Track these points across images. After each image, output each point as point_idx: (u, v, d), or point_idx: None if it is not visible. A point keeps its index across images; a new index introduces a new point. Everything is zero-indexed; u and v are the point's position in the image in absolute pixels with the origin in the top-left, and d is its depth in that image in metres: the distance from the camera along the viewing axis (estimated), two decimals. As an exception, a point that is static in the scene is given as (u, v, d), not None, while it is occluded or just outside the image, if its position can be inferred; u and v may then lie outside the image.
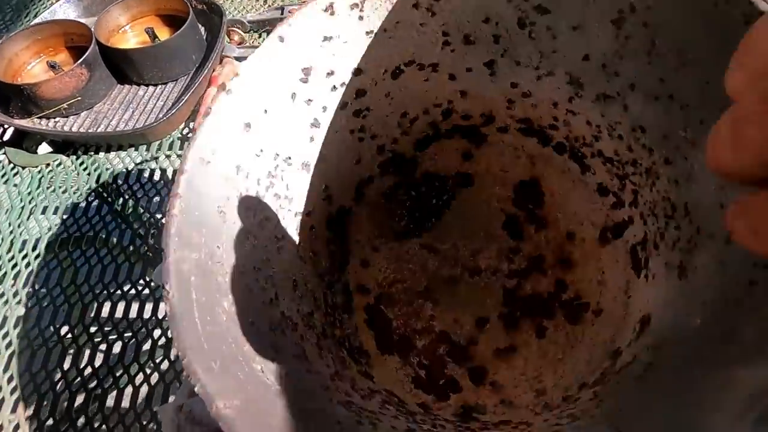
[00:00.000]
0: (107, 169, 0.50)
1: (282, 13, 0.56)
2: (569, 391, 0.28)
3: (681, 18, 0.20)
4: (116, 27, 0.55)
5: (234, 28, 0.56)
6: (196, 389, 0.17)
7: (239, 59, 0.53)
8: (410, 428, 0.25)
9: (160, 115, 0.50)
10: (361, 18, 0.27)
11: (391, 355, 0.35)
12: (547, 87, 0.30)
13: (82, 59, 0.48)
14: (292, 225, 0.31)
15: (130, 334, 0.41)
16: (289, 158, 0.30)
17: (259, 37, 0.58)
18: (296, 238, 0.32)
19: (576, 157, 0.33)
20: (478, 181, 0.39)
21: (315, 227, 0.34)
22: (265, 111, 0.27)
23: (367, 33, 0.28)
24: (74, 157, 0.52)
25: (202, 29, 0.58)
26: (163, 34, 0.54)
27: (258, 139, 0.27)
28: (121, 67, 0.52)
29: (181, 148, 0.49)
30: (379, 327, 0.36)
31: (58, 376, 0.40)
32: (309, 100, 0.30)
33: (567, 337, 0.32)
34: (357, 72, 0.30)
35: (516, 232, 0.38)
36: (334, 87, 0.30)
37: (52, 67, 0.52)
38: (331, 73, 0.29)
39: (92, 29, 0.51)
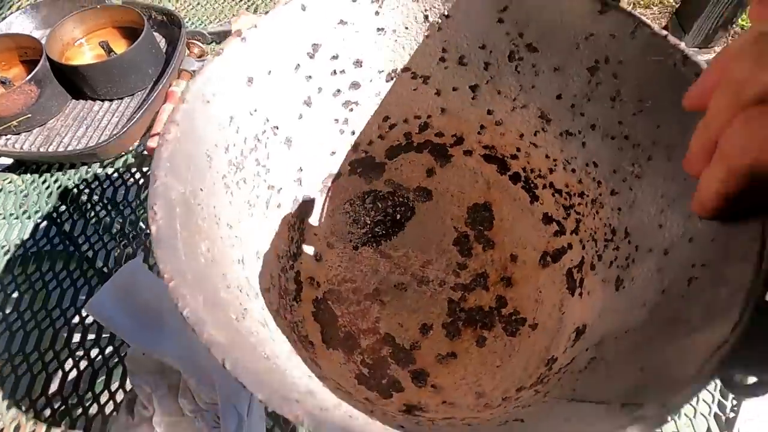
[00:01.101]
0: (58, 189, 0.45)
1: (241, 27, 0.56)
2: (508, 393, 0.30)
3: (645, 73, 0.25)
4: (71, 40, 0.51)
5: (194, 41, 0.54)
6: (185, 313, 0.16)
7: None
8: (369, 410, 0.24)
9: (114, 132, 0.47)
10: (377, 13, 0.29)
11: (335, 350, 0.34)
12: (518, 119, 0.34)
13: (30, 76, 0.45)
14: (263, 196, 0.30)
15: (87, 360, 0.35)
16: (277, 128, 0.30)
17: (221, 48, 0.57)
18: (264, 212, 0.31)
19: (528, 187, 0.37)
20: (436, 198, 0.42)
21: (281, 205, 0.33)
22: (269, 72, 0.27)
23: (378, 29, 0.30)
24: (26, 175, 0.46)
25: (163, 41, 0.56)
26: (120, 46, 0.52)
27: (256, 97, 0.27)
28: (75, 82, 0.49)
29: (134, 166, 0.47)
30: (325, 321, 0.35)
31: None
32: (309, 76, 0.30)
33: (505, 347, 0.34)
34: (358, 63, 0.31)
35: (465, 249, 0.40)
36: (334, 72, 0.31)
37: (3, 83, 0.47)
38: (335, 57, 0.30)
39: (43, 44, 0.47)
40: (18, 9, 0.55)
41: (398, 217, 0.42)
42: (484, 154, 0.39)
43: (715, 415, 0.35)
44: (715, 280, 0.18)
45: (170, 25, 0.55)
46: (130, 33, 0.53)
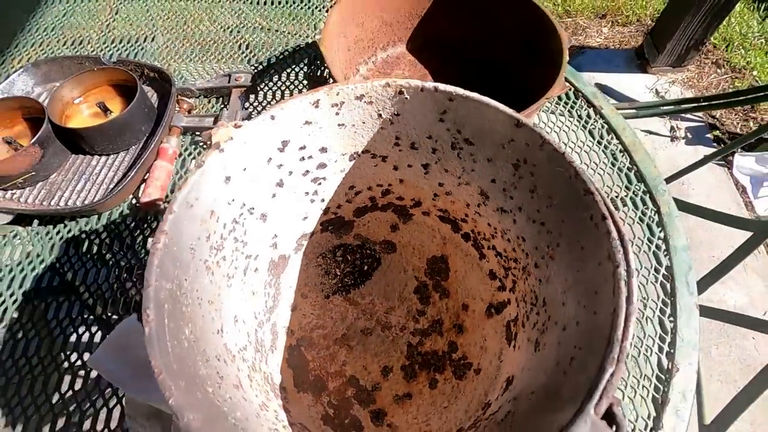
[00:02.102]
0: (60, 240, 0.50)
1: (229, 80, 0.61)
2: (450, 433, 0.35)
3: (552, 177, 0.30)
4: (70, 99, 0.57)
5: (183, 97, 0.59)
6: (170, 402, 0.21)
7: (187, 129, 0.57)
8: (323, 455, 0.30)
9: (111, 186, 0.53)
10: (337, 114, 0.34)
11: (305, 393, 0.39)
12: (464, 192, 0.39)
13: (35, 139, 0.50)
14: (241, 266, 0.35)
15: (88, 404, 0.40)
16: (253, 208, 0.35)
17: (209, 102, 0.62)
18: (242, 278, 0.36)
19: (477, 246, 0.43)
20: (400, 250, 0.47)
21: (258, 269, 0.38)
22: (244, 169, 0.32)
23: (339, 125, 0.35)
24: (30, 227, 0.51)
25: (155, 95, 0.61)
26: (115, 104, 0.57)
27: (233, 190, 0.32)
28: (74, 141, 0.54)
29: (129, 217, 0.52)
30: (297, 366, 0.40)
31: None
32: (280, 164, 0.35)
33: (453, 389, 0.40)
34: (323, 150, 0.37)
35: (424, 297, 0.46)
36: (303, 158, 0.36)
37: (8, 143, 0.52)
38: (303, 147, 0.35)
39: (45, 107, 0.53)
40: (19, 65, 0.60)
41: (365, 267, 0.47)
42: (439, 216, 0.44)
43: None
44: (582, 365, 0.24)
45: (161, 81, 0.60)
46: (124, 90, 0.58)
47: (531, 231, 0.34)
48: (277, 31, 0.71)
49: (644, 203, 0.53)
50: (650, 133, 1.59)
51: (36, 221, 0.52)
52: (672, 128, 1.62)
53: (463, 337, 0.43)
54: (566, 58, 0.48)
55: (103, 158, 0.56)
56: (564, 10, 1.98)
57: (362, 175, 0.41)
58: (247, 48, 0.69)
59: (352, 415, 0.39)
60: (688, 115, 1.61)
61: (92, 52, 0.69)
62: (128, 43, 0.70)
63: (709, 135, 1.57)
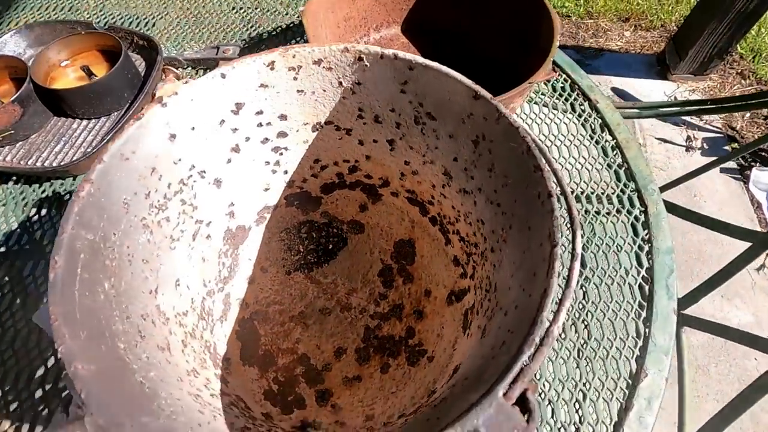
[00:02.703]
0: (33, 200, 0.51)
1: (217, 53, 0.60)
2: (391, 418, 0.34)
3: (506, 154, 0.29)
4: (57, 61, 0.57)
5: (169, 66, 0.59)
6: (59, 349, 0.20)
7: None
8: (246, 427, 0.29)
9: (88, 150, 0.53)
10: (295, 78, 0.33)
11: (251, 367, 0.38)
12: (429, 172, 0.38)
13: (14, 97, 0.51)
14: (189, 230, 0.35)
15: None
16: (204, 172, 0.34)
17: (196, 73, 0.62)
18: (190, 243, 0.35)
19: (443, 230, 0.41)
20: (367, 231, 0.46)
21: (211, 236, 0.37)
22: (192, 128, 0.31)
23: (298, 91, 0.34)
24: (7, 184, 0.52)
25: (143, 63, 0.60)
26: (101, 69, 0.57)
27: (179, 149, 0.31)
28: (55, 103, 0.54)
29: None
30: (247, 340, 0.40)
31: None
32: (235, 128, 0.34)
33: (404, 375, 0.38)
34: (283, 117, 0.36)
35: (388, 281, 0.44)
36: (260, 124, 0.35)
37: None
38: (260, 113, 0.34)
39: (29, 66, 0.53)
40: (15, 28, 0.60)
41: (330, 246, 0.46)
42: (408, 197, 0.43)
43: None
44: (508, 349, 0.22)
45: (149, 49, 0.60)
46: (111, 56, 0.58)
47: (489, 213, 0.32)
48: (270, 9, 0.71)
49: (631, 202, 0.51)
50: (665, 141, 1.54)
51: (12, 180, 0.52)
52: (688, 137, 1.56)
53: (421, 324, 0.41)
54: (556, 43, 0.46)
55: (85, 122, 0.56)
56: (585, 11, 1.93)
57: (327, 148, 0.40)
58: (240, 22, 0.68)
59: (296, 393, 0.38)
60: (706, 125, 1.56)
61: (87, 18, 0.69)
62: (124, 10, 0.70)
63: (726, 147, 1.51)
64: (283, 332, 0.41)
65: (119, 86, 0.55)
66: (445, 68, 0.30)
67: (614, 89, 1.69)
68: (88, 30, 0.59)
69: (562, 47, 1.82)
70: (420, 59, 0.30)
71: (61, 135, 0.55)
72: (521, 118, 0.58)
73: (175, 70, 0.59)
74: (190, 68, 0.61)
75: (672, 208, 0.84)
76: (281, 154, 0.38)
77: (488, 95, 0.28)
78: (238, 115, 0.33)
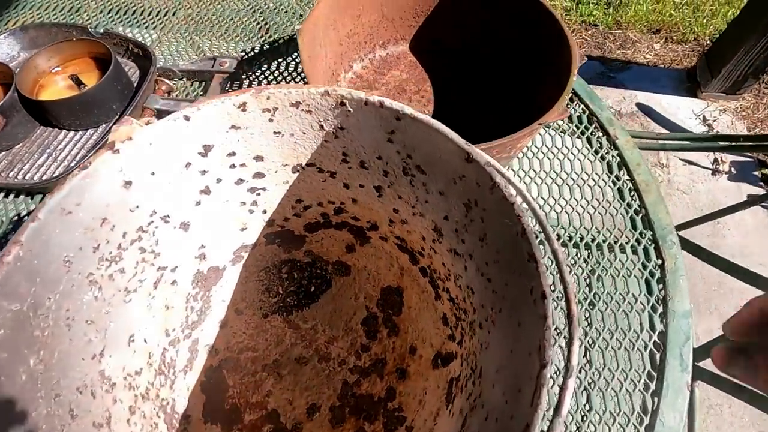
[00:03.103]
0: (11, 216, 0.49)
1: (213, 65, 0.57)
2: (358, 501, 0.31)
3: (500, 228, 0.25)
4: (46, 69, 0.55)
5: (163, 77, 0.56)
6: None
7: (161, 112, 0.53)
8: None
9: (72, 164, 0.50)
10: (271, 120, 0.30)
11: (214, 424, 0.35)
12: (419, 224, 0.34)
13: None
14: (150, 279, 0.32)
15: None
16: (168, 216, 0.31)
17: (191, 86, 0.59)
18: (151, 293, 0.32)
19: (433, 284, 0.38)
20: (354, 274, 0.42)
21: (177, 282, 0.34)
22: (152, 173, 0.28)
23: (275, 132, 0.31)
24: None
25: (137, 72, 0.58)
26: (92, 78, 0.54)
27: (136, 196, 0.28)
28: (40, 112, 0.52)
29: None
30: (214, 392, 0.37)
31: None
32: (204, 171, 0.31)
33: (378, 445, 0.35)
34: (258, 158, 0.32)
35: (372, 331, 0.41)
36: (233, 165, 0.32)
37: None
38: (232, 154, 0.31)
39: (14, 74, 0.50)
40: (9, 28, 0.58)
41: (313, 289, 0.42)
42: (397, 244, 0.39)
43: None
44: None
45: (144, 58, 0.57)
46: (104, 64, 0.55)
47: (479, 284, 0.29)
48: (271, 22, 0.67)
49: (647, 254, 0.46)
50: (689, 163, 1.47)
51: (-8, 192, 0.50)
52: (715, 160, 1.48)
53: (404, 385, 0.38)
54: (573, 78, 0.42)
55: (71, 133, 0.53)
56: (614, 20, 1.84)
57: (310, 189, 0.36)
58: (242, 32, 0.65)
59: (260, 457, 0.35)
60: (736, 149, 1.47)
61: (86, 20, 0.66)
62: (124, 15, 0.68)
63: (756, 172, 1.43)
64: (253, 383, 0.38)
65: (108, 98, 0.52)
66: (435, 123, 0.26)
67: (639, 105, 1.61)
68: (80, 37, 0.56)
69: (587, 57, 1.75)
70: (408, 110, 0.26)
71: (45, 147, 0.52)
72: (530, 150, 0.54)
73: (168, 81, 0.56)
74: (185, 79, 0.58)
75: (696, 250, 0.78)
76: (258, 194, 0.35)
77: (483, 159, 0.25)
78: (207, 157, 0.30)
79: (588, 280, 0.45)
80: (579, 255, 0.46)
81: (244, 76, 0.58)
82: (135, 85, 0.56)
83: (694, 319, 1.24)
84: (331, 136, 0.31)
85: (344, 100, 0.28)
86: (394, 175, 0.32)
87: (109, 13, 0.67)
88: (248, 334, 0.40)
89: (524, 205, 0.25)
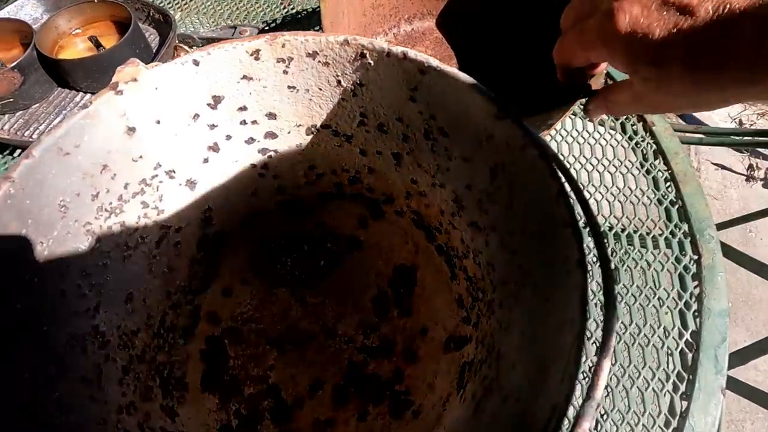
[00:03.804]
0: None
1: (234, 33, 0.55)
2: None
3: (531, 197, 0.22)
4: (67, 30, 0.54)
5: (182, 44, 0.55)
6: None
7: None
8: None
9: None
10: (285, 72, 0.28)
11: (212, 395, 0.34)
12: (438, 196, 0.32)
13: (15, 63, 0.47)
14: (153, 237, 0.30)
15: None
16: (173, 171, 0.29)
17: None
18: (153, 251, 0.30)
19: (450, 263, 0.35)
20: (366, 250, 0.40)
21: (181, 244, 0.33)
22: (158, 122, 0.27)
23: (290, 87, 0.29)
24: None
25: (157, 38, 0.57)
26: (111, 40, 0.54)
27: (140, 145, 0.27)
28: (59, 72, 0.51)
29: None
30: (213, 362, 0.35)
31: None
32: (213, 125, 0.29)
33: (382, 427, 0.33)
34: (271, 116, 0.30)
35: (382, 309, 0.39)
36: (244, 121, 0.30)
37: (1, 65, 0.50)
38: (243, 108, 0.29)
39: (34, 32, 0.50)
40: (32, -10, 0.58)
41: (322, 263, 0.41)
42: (413, 219, 0.37)
43: None
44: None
45: (164, 24, 0.56)
46: (124, 28, 0.54)
47: (502, 259, 0.26)
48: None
49: (682, 248, 0.43)
50: (722, 167, 1.40)
51: (7, 151, 0.50)
52: (750, 166, 1.41)
53: (412, 368, 0.36)
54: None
55: (88, 95, 0.52)
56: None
57: (324, 154, 0.34)
58: (264, 2, 0.63)
59: (258, 431, 0.33)
60: (774, 154, 1.40)
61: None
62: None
63: (795, 180, 1.36)
64: (255, 356, 0.37)
65: (125, 60, 0.51)
66: (463, 76, 0.24)
67: (672, 105, 1.55)
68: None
69: (619, 54, 1.68)
70: (434, 62, 0.24)
71: (62, 108, 0.52)
72: (559, 133, 0.51)
73: (187, 48, 0.55)
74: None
75: (724, 249, 0.74)
76: (270, 157, 0.33)
77: (516, 114, 0.22)
78: (217, 110, 0.28)
79: (616, 273, 0.42)
80: (607, 245, 0.43)
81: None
82: (154, 50, 0.55)
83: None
84: (348, 93, 0.29)
85: (365, 51, 0.26)
86: (415, 140, 0.30)
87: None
88: (253, 305, 0.39)
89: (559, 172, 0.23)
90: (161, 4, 0.62)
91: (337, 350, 0.38)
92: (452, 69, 0.24)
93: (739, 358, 0.65)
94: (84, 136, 0.23)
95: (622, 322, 0.39)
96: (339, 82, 0.28)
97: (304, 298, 0.40)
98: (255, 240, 0.39)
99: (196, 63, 0.26)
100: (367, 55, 0.26)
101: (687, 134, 0.67)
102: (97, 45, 0.53)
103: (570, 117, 0.52)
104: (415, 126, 0.29)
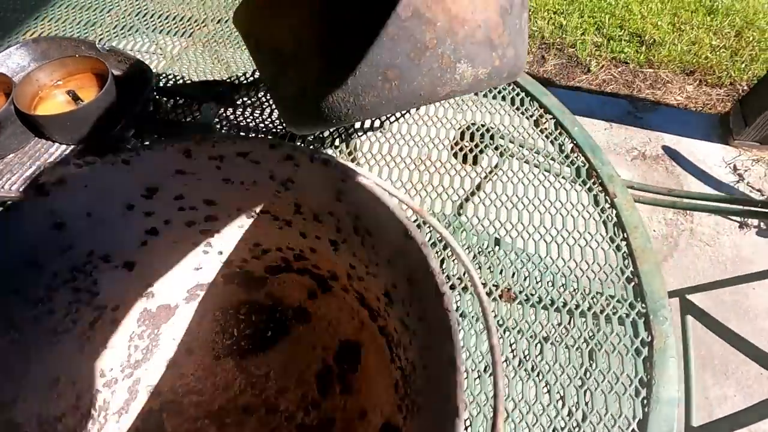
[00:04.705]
0: None
1: (210, 89, 0.57)
2: None
3: (436, 320, 0.22)
4: (48, 82, 0.56)
5: (162, 97, 0.56)
6: None
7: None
8: None
9: None
10: (219, 168, 0.28)
11: (142, 475, 0.33)
12: (373, 284, 0.32)
13: None
14: (86, 319, 0.30)
15: None
16: (109, 256, 0.30)
17: (188, 108, 0.59)
18: (86, 333, 0.31)
19: (389, 346, 0.35)
20: (314, 322, 0.40)
21: (119, 320, 0.33)
22: (89, 214, 0.27)
23: (224, 180, 0.29)
24: None
25: (135, 92, 0.58)
26: (91, 94, 0.55)
27: (70, 237, 0.27)
28: (35, 126, 0.53)
29: None
30: (148, 438, 0.35)
31: None
32: (150, 212, 0.30)
33: None
34: (209, 203, 0.31)
35: (325, 386, 0.38)
36: (182, 208, 0.31)
37: None
38: (180, 197, 0.30)
39: (13, 85, 0.52)
40: (21, 41, 0.60)
41: (270, 333, 0.41)
42: (357, 297, 0.37)
43: None
44: None
45: (142, 78, 0.57)
46: (105, 80, 0.56)
47: (419, 364, 0.26)
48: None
49: (635, 328, 0.42)
50: (716, 213, 1.39)
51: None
52: (728, 194, 1.40)
53: (348, 452, 0.35)
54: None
55: (63, 147, 0.54)
56: (646, 58, 1.80)
57: (267, 234, 0.35)
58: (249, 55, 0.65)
59: None
60: None
61: (100, 35, 0.68)
62: (137, 32, 0.69)
63: (788, 230, 1.34)
64: (194, 431, 0.36)
65: (100, 115, 0.52)
66: (378, 190, 0.24)
67: (665, 148, 1.55)
68: (87, 52, 0.58)
69: (614, 95, 1.69)
70: (352, 173, 0.25)
71: (36, 158, 0.53)
72: (524, 181, 0.51)
73: (165, 102, 0.56)
74: (183, 100, 0.59)
75: (701, 315, 0.73)
76: (212, 236, 0.34)
77: (420, 239, 0.22)
78: (152, 199, 0.29)
79: (566, 352, 0.41)
80: (560, 322, 0.43)
81: (244, 100, 0.58)
82: (132, 101, 0.57)
83: (708, 382, 1.15)
84: (282, 187, 0.29)
85: (291, 154, 0.26)
86: (347, 233, 0.30)
87: (122, 29, 0.69)
88: (196, 377, 0.38)
89: (473, 289, 0.23)
90: (149, 50, 0.64)
91: (277, 427, 0.37)
92: (369, 183, 0.24)
93: (729, 423, 0.63)
94: (7, 237, 0.24)
95: (569, 407, 0.39)
96: (272, 177, 0.29)
97: (249, 368, 0.40)
98: (202, 309, 0.39)
99: (126, 162, 0.26)
100: (295, 157, 0.26)
101: (661, 197, 0.67)
102: (75, 98, 0.55)
103: (545, 185, 0.52)
104: (345, 222, 0.29)
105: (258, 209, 0.32)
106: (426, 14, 0.30)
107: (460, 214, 0.51)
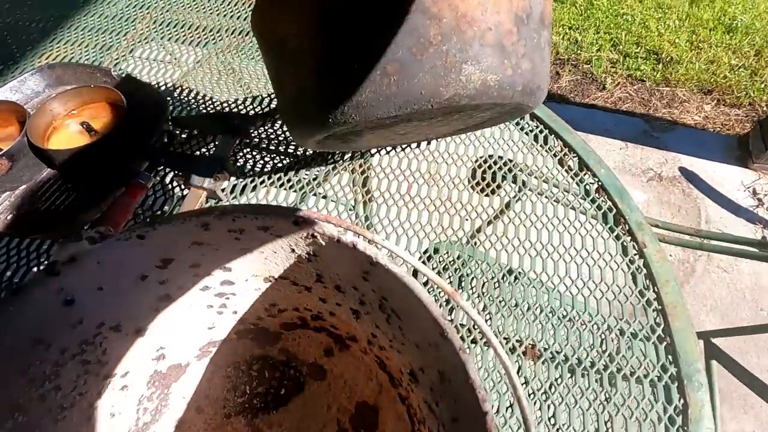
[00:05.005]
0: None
1: (229, 119, 0.56)
2: None
3: (473, 422, 0.21)
4: (62, 112, 0.55)
5: (177, 128, 0.55)
6: None
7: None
8: None
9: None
10: (237, 239, 0.27)
11: None
12: (396, 359, 0.30)
13: (4, 151, 0.49)
14: (93, 390, 0.29)
15: None
16: (119, 326, 0.28)
17: (204, 139, 0.58)
18: (93, 403, 0.29)
19: (410, 416, 0.33)
20: (330, 380, 0.39)
21: (128, 386, 0.32)
22: (100, 288, 0.26)
23: (243, 249, 0.28)
24: None
25: (151, 121, 0.57)
26: (105, 123, 0.54)
27: (79, 312, 0.26)
28: (48, 159, 0.52)
29: None
30: (155, 507, 0.33)
31: None
32: (164, 281, 0.28)
33: None
34: (226, 269, 0.29)
35: (340, 450, 0.37)
36: (197, 275, 0.29)
37: None
38: (196, 265, 0.28)
39: (28, 116, 0.51)
40: (36, 67, 0.59)
41: (283, 391, 0.39)
42: (377, 361, 0.35)
43: None
44: None
45: (157, 108, 0.56)
46: (120, 109, 0.55)
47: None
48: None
49: (668, 394, 0.40)
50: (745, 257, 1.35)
51: (-12, 234, 0.50)
52: (764, 238, 1.37)
53: None
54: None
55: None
56: (663, 77, 1.77)
57: (284, 296, 0.33)
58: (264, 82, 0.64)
59: None
60: (788, 230, 1.36)
61: (116, 59, 0.67)
62: (152, 40, 0.68)
63: (809, 259, 1.30)
64: (202, 497, 0.35)
65: (114, 150, 0.51)
66: (411, 282, 0.22)
67: (682, 170, 1.52)
68: (102, 79, 0.57)
69: (629, 114, 1.67)
70: (381, 258, 0.23)
71: (46, 190, 0.52)
72: (550, 225, 0.49)
73: (180, 133, 0.55)
74: (198, 132, 0.57)
75: (719, 355, 0.70)
76: (228, 298, 0.32)
77: (454, 339, 0.21)
78: (167, 269, 0.28)
79: (595, 417, 0.39)
80: (588, 385, 0.41)
81: (262, 132, 0.57)
82: (146, 133, 0.56)
83: (726, 416, 1.11)
84: (303, 259, 0.28)
85: (315, 233, 0.25)
86: (371, 306, 0.28)
87: (136, 54, 0.68)
88: (206, 437, 0.37)
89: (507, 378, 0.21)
90: (164, 59, 0.63)
91: (289, 494, 0.35)
92: (400, 270, 0.23)
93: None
94: (13, 320, 0.23)
95: (597, 481, 0.37)
96: (293, 250, 0.27)
97: (261, 428, 0.38)
98: (214, 366, 0.38)
99: (141, 237, 0.25)
100: (318, 238, 0.25)
101: (686, 237, 0.64)
102: (89, 129, 0.54)
103: (569, 232, 0.50)
104: (370, 298, 0.27)
105: (277, 275, 0.30)
106: (431, 9, 0.28)
107: (476, 244, 0.49)
